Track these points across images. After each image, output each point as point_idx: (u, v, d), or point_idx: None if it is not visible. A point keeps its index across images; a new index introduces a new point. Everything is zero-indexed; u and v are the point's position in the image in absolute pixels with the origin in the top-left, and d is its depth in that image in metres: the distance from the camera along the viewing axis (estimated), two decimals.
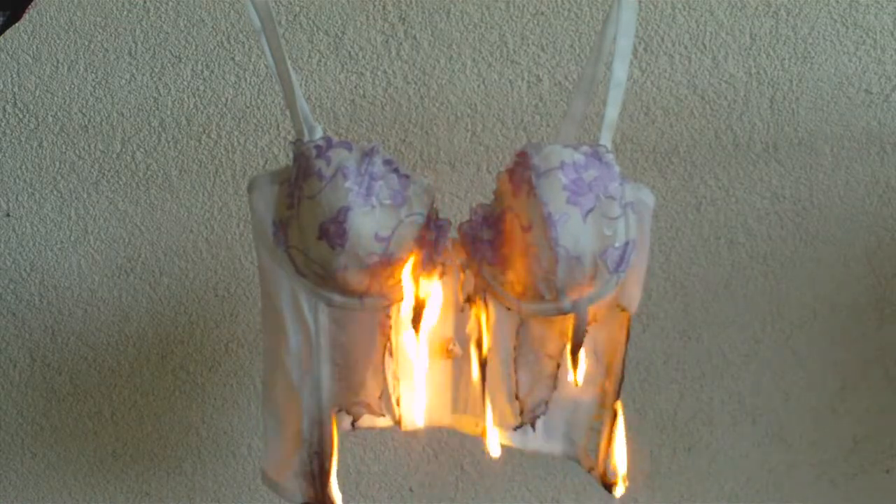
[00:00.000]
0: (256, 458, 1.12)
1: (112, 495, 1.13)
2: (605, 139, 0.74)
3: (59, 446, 1.12)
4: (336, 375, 0.76)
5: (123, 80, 1.03)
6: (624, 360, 0.77)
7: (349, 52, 1.03)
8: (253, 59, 1.03)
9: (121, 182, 1.05)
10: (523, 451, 0.82)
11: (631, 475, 0.80)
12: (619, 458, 0.79)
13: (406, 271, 0.72)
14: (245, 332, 1.09)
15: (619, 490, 0.79)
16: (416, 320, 0.72)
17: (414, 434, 0.79)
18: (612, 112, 0.74)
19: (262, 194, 0.73)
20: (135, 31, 1.03)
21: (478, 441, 0.79)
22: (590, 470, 0.81)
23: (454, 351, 0.78)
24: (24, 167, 1.05)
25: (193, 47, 1.03)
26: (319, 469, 0.77)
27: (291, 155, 0.73)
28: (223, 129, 1.04)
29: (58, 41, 1.03)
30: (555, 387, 0.78)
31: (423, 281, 0.73)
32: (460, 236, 0.75)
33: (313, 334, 0.74)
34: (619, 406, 0.78)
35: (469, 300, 0.75)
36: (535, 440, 0.81)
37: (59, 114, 1.04)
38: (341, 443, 0.77)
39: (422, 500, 1.13)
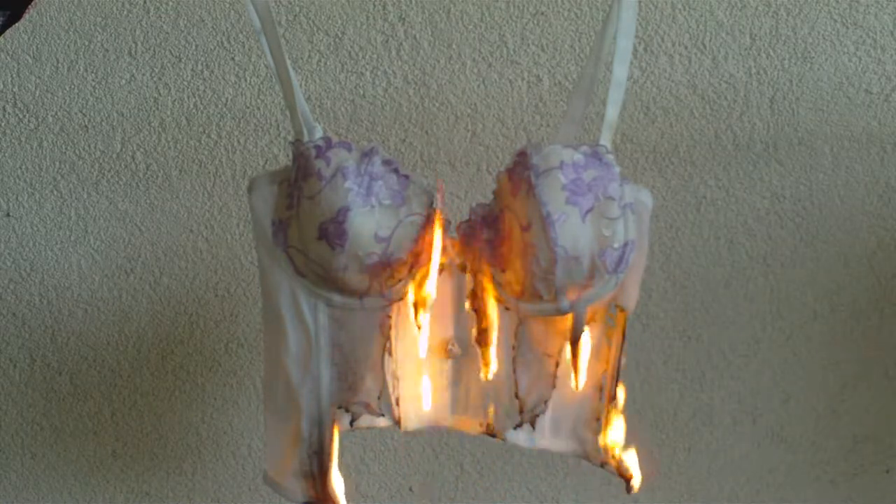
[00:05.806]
0: (256, 458, 1.12)
1: (112, 495, 1.13)
2: (605, 139, 0.74)
3: (59, 446, 1.12)
4: (336, 375, 0.76)
5: (123, 80, 1.03)
6: (620, 359, 0.77)
7: (349, 52, 1.03)
8: (253, 59, 1.03)
9: (121, 182, 1.05)
10: (524, 450, 0.81)
11: None
12: (628, 457, 0.79)
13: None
14: (245, 332, 1.09)
15: (636, 482, 0.79)
16: (416, 319, 0.72)
17: (414, 434, 0.79)
18: (612, 112, 0.74)
19: (261, 194, 0.74)
20: (135, 31, 1.03)
21: (478, 441, 0.79)
22: (602, 465, 0.81)
23: (454, 351, 0.78)
24: (24, 167, 1.05)
25: (193, 47, 1.03)
26: (319, 469, 0.77)
27: (291, 155, 0.73)
28: (223, 129, 1.04)
29: (58, 41, 1.03)
30: (554, 386, 0.78)
31: (424, 280, 0.73)
32: (460, 236, 0.75)
33: (313, 334, 0.75)
34: (619, 405, 0.78)
35: (468, 300, 0.75)
36: (544, 438, 0.81)
37: (59, 114, 1.04)
38: (341, 443, 0.77)
39: (422, 500, 1.13)
